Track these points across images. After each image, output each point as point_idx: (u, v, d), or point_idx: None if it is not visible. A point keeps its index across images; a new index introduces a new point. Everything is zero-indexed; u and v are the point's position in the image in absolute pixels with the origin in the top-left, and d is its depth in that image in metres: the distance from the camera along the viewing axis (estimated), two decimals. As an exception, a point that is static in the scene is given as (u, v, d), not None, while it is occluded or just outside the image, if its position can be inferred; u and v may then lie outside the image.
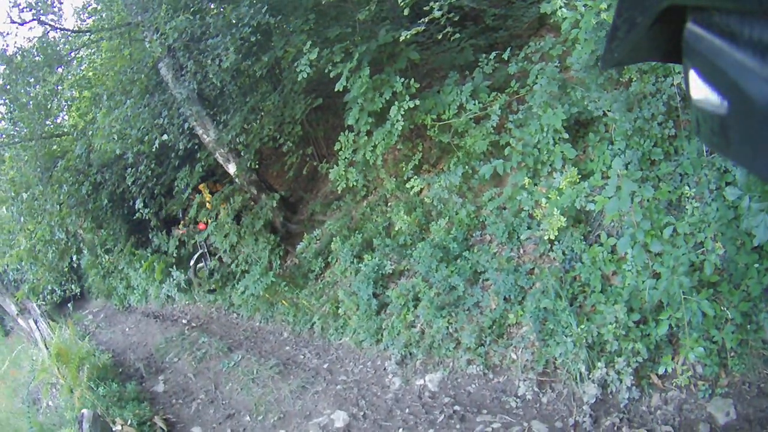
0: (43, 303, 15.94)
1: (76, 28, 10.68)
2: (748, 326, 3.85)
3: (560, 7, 4.57)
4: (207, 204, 8.31)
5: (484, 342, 4.97)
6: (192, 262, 8.84)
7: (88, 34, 10.19)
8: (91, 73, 11.53)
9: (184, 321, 9.48)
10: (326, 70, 5.76)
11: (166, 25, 7.04)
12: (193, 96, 7.47)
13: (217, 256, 7.97)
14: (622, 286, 4.34)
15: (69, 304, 15.78)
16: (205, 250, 8.70)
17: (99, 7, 10.46)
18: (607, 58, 0.68)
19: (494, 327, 4.98)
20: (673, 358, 4.12)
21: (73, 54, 10.62)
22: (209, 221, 8.04)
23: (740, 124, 0.48)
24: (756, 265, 3.76)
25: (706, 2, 0.51)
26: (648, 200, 4.24)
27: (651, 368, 4.14)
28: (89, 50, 11.52)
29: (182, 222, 9.11)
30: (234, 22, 6.53)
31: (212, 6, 7.83)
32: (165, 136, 7.47)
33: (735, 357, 3.91)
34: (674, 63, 0.65)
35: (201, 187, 8.57)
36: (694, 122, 0.58)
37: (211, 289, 8.76)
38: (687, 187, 4.17)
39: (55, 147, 12.23)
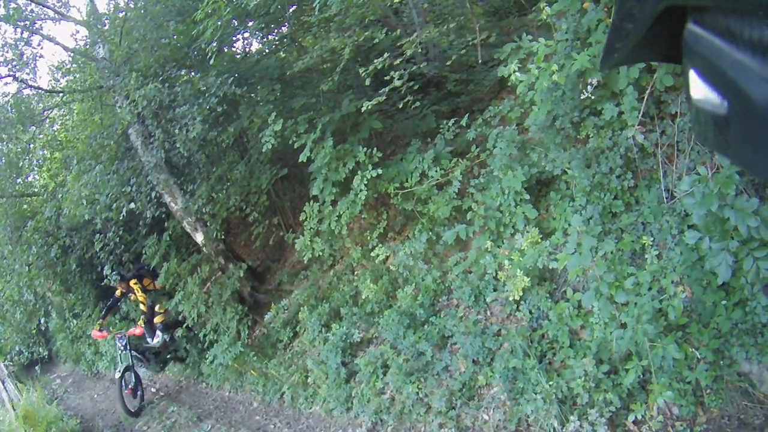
0: (10, 363, 15.34)
1: (50, 88, 10.80)
2: (721, 362, 3.90)
3: (514, 72, 4.71)
4: (141, 305, 8.19)
5: (455, 405, 4.94)
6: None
7: (61, 94, 10.28)
8: (62, 135, 11.58)
9: (153, 390, 9.17)
10: (291, 141, 5.87)
11: (136, 93, 7.16)
12: (161, 164, 7.52)
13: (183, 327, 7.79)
14: (590, 340, 4.39)
15: (36, 367, 15.26)
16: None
17: (73, 68, 10.61)
18: (607, 59, 0.68)
19: (464, 390, 4.97)
20: (647, 404, 4.14)
21: (46, 113, 10.69)
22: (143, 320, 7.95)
23: (740, 124, 0.48)
24: (723, 302, 3.83)
25: (706, 2, 0.51)
26: (612, 252, 4.34)
27: (625, 416, 4.13)
28: (62, 111, 11.62)
29: (99, 323, 8.79)
30: (202, 91, 6.67)
31: (182, 73, 8.02)
32: (132, 204, 7.45)
33: (711, 393, 3.93)
34: (674, 63, 0.64)
35: (132, 283, 8.33)
36: (693, 123, 0.58)
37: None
38: (649, 236, 4.27)
39: (25, 207, 12.12)
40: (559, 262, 4.44)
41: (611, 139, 4.49)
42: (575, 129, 4.70)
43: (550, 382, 4.35)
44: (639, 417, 4.06)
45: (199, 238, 7.71)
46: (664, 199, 4.26)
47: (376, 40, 5.94)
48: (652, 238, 4.22)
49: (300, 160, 5.72)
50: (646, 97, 4.20)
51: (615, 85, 4.23)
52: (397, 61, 5.58)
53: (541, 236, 4.78)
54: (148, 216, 7.51)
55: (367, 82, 5.55)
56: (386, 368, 5.47)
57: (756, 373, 3.97)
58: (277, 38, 7.73)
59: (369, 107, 5.50)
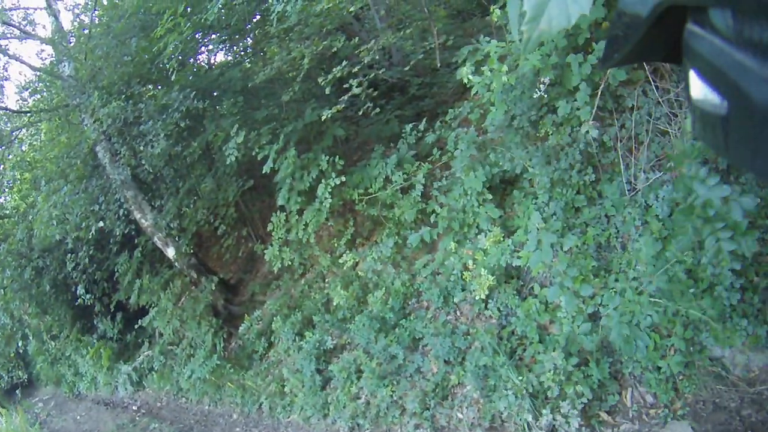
0: (-9, 389, 15.09)
1: (18, 108, 10.67)
2: (692, 349, 3.96)
3: (469, 74, 4.69)
4: None
5: (429, 405, 4.99)
6: None
7: (29, 114, 10.17)
8: (31, 156, 11.43)
9: (134, 408, 9.09)
10: (255, 152, 5.89)
11: (101, 111, 7.13)
12: (128, 180, 7.48)
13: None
14: (558, 334, 4.46)
15: (17, 391, 15.03)
16: None
17: (39, 87, 10.50)
18: (607, 60, 0.68)
19: (437, 390, 5.02)
20: (620, 393, 4.21)
21: (14, 134, 10.56)
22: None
23: (740, 124, 0.47)
24: (691, 290, 3.88)
25: (706, 2, 0.51)
26: (576, 246, 4.43)
27: (599, 406, 4.20)
28: (30, 131, 11.49)
29: None
30: (165, 106, 6.66)
31: (147, 89, 7.99)
32: (102, 222, 7.40)
33: (684, 380, 3.98)
34: (674, 63, 0.63)
35: None
36: (693, 123, 0.58)
37: None
38: (613, 228, 4.35)
39: (-3, 229, 11.95)
40: (522, 260, 4.52)
41: (570, 136, 4.55)
42: (534, 127, 4.76)
43: (521, 378, 4.43)
44: (612, 407, 4.16)
45: (170, 253, 7.68)
46: (626, 192, 4.34)
47: (335, 49, 5.98)
48: (615, 231, 4.30)
49: (263, 172, 5.73)
50: (600, 92, 4.27)
51: (569, 82, 4.28)
52: (357, 68, 5.63)
53: (504, 235, 4.86)
54: (117, 233, 7.46)
55: (328, 90, 5.58)
56: (360, 373, 5.51)
57: (728, 357, 4.05)
58: (241, 50, 7.73)
59: (329, 116, 5.55)
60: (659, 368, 4.00)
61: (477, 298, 4.87)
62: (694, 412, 3.98)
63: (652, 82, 4.22)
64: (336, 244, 6.11)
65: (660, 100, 4.21)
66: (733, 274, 3.73)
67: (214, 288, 7.26)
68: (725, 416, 3.89)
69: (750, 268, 3.88)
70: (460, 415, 4.89)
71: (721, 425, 3.86)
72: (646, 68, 4.21)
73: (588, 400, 4.16)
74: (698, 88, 0.54)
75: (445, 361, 5.06)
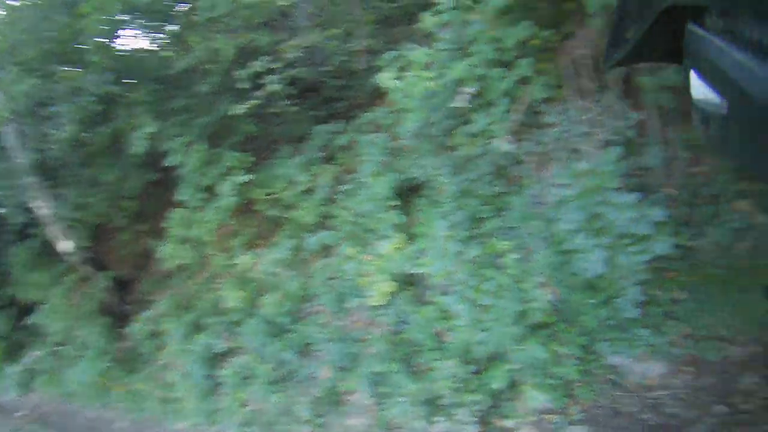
0: None
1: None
2: (589, 357, 4.01)
3: (391, 79, 4.67)
4: None
5: (322, 412, 4.89)
6: None
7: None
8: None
9: (19, 414, 8.29)
10: (162, 144, 5.63)
11: (15, 87, 6.67)
12: (33, 165, 6.97)
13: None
14: (455, 342, 4.41)
15: None
16: None
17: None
18: (608, 60, 0.70)
19: (330, 396, 4.91)
20: (517, 400, 4.20)
21: None
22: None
23: (740, 124, 0.47)
24: (590, 301, 3.95)
25: (706, 2, 0.50)
26: (478, 256, 4.40)
27: (496, 413, 4.18)
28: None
29: None
30: (80, 88, 6.31)
31: (63, 69, 7.55)
32: (2, 210, 6.85)
33: (581, 386, 4.02)
34: (674, 63, 0.64)
35: None
36: (693, 122, 0.58)
37: None
38: (513, 240, 4.35)
39: None
40: (423, 267, 4.52)
41: (482, 147, 4.57)
42: (447, 137, 4.76)
43: (415, 385, 4.37)
44: (510, 413, 4.15)
45: (65, 245, 7.15)
46: (533, 205, 4.40)
47: (258, 44, 5.87)
48: (514, 243, 4.31)
49: (168, 164, 5.48)
50: (521, 108, 4.35)
51: (489, 95, 4.32)
52: (277, 65, 5.53)
53: (406, 241, 4.79)
54: (14, 222, 6.90)
55: (246, 85, 5.45)
56: (251, 378, 5.28)
57: (626, 365, 4.10)
58: (166, 36, 7.48)
59: (243, 111, 5.41)
60: (557, 377, 4.02)
61: (373, 304, 4.77)
62: (592, 418, 4.02)
63: (574, 101, 4.32)
64: (234, 244, 5.87)
65: (580, 119, 4.30)
66: (636, 286, 3.84)
67: (107, 285, 6.80)
68: (625, 421, 3.94)
69: (654, 281, 4.00)
70: (353, 422, 4.82)
71: (622, 429, 3.91)
72: (570, 87, 4.31)
73: (486, 407, 4.16)
74: (698, 88, 0.54)
75: (338, 367, 4.94)
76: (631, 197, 3.53)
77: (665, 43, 0.60)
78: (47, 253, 7.52)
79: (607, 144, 4.11)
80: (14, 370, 7.92)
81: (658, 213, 3.49)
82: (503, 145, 4.31)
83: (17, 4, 7.90)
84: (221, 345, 5.58)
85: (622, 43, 0.65)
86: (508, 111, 4.25)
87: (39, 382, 7.74)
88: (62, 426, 7.20)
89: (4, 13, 8.06)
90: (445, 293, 4.64)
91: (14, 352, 8.19)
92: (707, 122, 0.54)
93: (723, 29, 0.48)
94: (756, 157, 0.46)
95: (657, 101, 3.92)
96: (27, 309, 7.66)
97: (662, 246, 3.60)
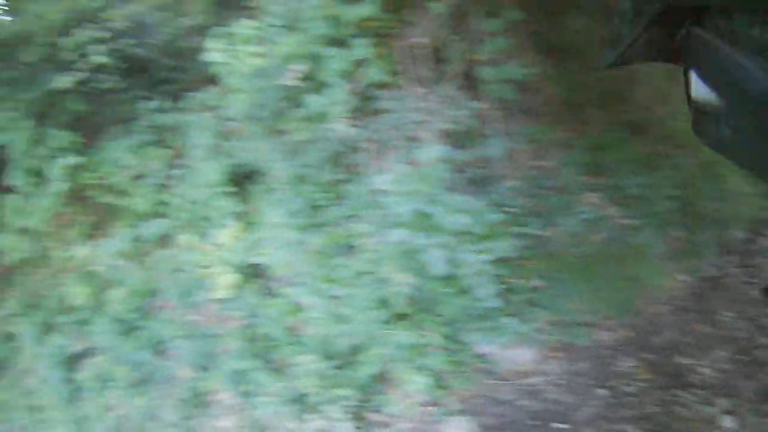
0: None
1: None
2: (456, 346, 3.98)
3: (216, 55, 4.42)
4: None
5: (188, 415, 4.64)
6: None
7: None
8: None
9: None
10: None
11: None
12: None
13: None
14: (312, 335, 4.29)
15: None
16: None
17: None
18: (607, 59, 0.72)
19: (194, 397, 4.65)
20: (388, 393, 4.14)
21: None
22: None
23: (738, 123, 0.49)
24: (445, 290, 3.86)
25: (705, 2, 0.52)
26: (322, 245, 4.21)
27: (369, 407, 4.12)
28: None
29: None
30: None
31: None
32: None
33: (454, 376, 3.99)
34: (674, 63, 0.65)
35: None
36: (692, 120, 0.61)
37: None
38: (360, 228, 4.19)
39: None
40: (264, 257, 4.35)
41: (317, 132, 4.37)
42: (279, 120, 4.50)
43: (279, 383, 4.22)
44: (383, 407, 4.10)
45: None
46: (372, 193, 4.26)
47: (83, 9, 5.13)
48: (363, 229, 4.16)
49: (-1, 143, 4.86)
50: (355, 91, 4.17)
51: (322, 75, 4.12)
52: (105, 35, 5.09)
53: (245, 230, 4.52)
54: None
55: (73, 57, 4.99)
56: (110, 381, 4.93)
57: (496, 353, 4.09)
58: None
59: (66, 85, 4.90)
60: (426, 367, 3.93)
61: (219, 296, 4.48)
62: (473, 407, 3.98)
63: (409, 88, 4.20)
64: (72, 235, 5.31)
65: (417, 106, 4.21)
66: (491, 277, 3.75)
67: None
68: (504, 408, 3.93)
69: (511, 273, 3.95)
70: (222, 424, 4.58)
71: (503, 417, 3.88)
72: (405, 74, 4.22)
73: (356, 402, 4.05)
74: (698, 88, 0.56)
75: (198, 366, 4.61)
76: (462, 198, 3.50)
77: (664, 43, 0.62)
78: None
79: (445, 134, 4.04)
80: None
81: (493, 216, 3.46)
82: (339, 128, 4.14)
83: None
84: (75, 346, 5.19)
85: (620, 42, 0.65)
86: (343, 94, 4.07)
87: None
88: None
89: None
90: (291, 284, 4.41)
91: None
92: (707, 122, 0.55)
93: (723, 29, 0.48)
94: (756, 156, 0.47)
95: (499, 93, 3.90)
96: None
97: (502, 246, 3.57)
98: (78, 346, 5.19)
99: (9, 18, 6.45)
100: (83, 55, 5.10)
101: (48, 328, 5.34)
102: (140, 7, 5.29)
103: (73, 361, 5.21)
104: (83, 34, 4.91)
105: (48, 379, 5.18)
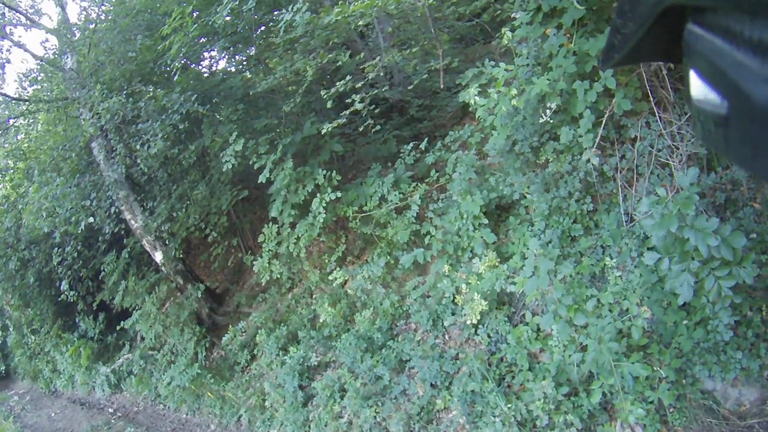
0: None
1: (17, 96, 10.56)
2: (684, 381, 3.93)
3: (474, 96, 4.65)
4: None
5: (413, 429, 4.92)
6: None
7: (27, 103, 10.08)
8: (26, 145, 11.33)
9: (110, 410, 8.91)
10: (251, 162, 5.82)
11: (100, 105, 7.06)
12: (122, 179, 7.40)
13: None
14: (549, 362, 4.39)
15: (-7, 382, 14.75)
16: None
17: (40, 77, 10.42)
18: (607, 59, 0.67)
19: (422, 413, 4.95)
20: (610, 424, 4.14)
21: (11, 122, 10.43)
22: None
23: (740, 124, 0.47)
24: (684, 322, 3.86)
25: (706, 2, 0.50)
26: (571, 275, 4.36)
27: None
28: (27, 120, 11.38)
29: None
30: (165, 107, 6.60)
31: (147, 89, 7.93)
32: (92, 219, 7.28)
33: (675, 412, 3.95)
34: (674, 63, 0.64)
35: None
36: (693, 122, 0.58)
37: None
38: (609, 258, 4.26)
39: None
40: (516, 286, 4.44)
41: (570, 164, 4.49)
42: (535, 154, 4.70)
43: (509, 405, 4.37)
44: None
45: (158, 257, 7.57)
46: (624, 222, 4.30)
47: (339, 63, 5.96)
48: (612, 261, 4.21)
49: (260, 181, 5.67)
50: (604, 121, 4.25)
51: (574, 109, 4.24)
52: (359, 85, 5.60)
53: (499, 260, 4.79)
54: (107, 232, 7.35)
55: (329, 104, 5.54)
56: (344, 392, 5.43)
57: (720, 391, 4.02)
58: (244, 58, 7.70)
59: (329, 129, 5.49)
60: (650, 401, 3.93)
61: (468, 322, 4.78)
62: None
63: (656, 114, 4.19)
64: (326, 261, 6.04)
65: (663, 131, 4.18)
66: (727, 309, 3.64)
67: (200, 296, 7.15)
68: None
69: (744, 303, 3.86)
70: None
71: None
72: (651, 100, 4.19)
73: (577, 430, 4.11)
74: (698, 88, 0.53)
75: (431, 384, 5.00)
76: (713, 222, 3.33)
77: (665, 43, 0.59)
78: (141, 262, 7.97)
79: (689, 158, 3.99)
80: (107, 370, 8.46)
81: (740, 240, 3.26)
82: (592, 158, 4.16)
83: (92, 26, 8.33)
84: (314, 358, 5.75)
85: (622, 43, 0.64)
86: (593, 125, 4.12)
87: (130, 383, 8.27)
88: (151, 425, 7.67)
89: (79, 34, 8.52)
90: (539, 313, 4.64)
91: (107, 353, 8.76)
92: (707, 122, 0.52)
93: (723, 29, 0.47)
94: (756, 157, 0.45)
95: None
96: (120, 315, 8.15)
97: (747, 274, 3.40)
98: (318, 359, 5.76)
99: (250, 74, 7.57)
100: (341, 104, 5.76)
101: (290, 341, 5.99)
102: (390, 56, 5.71)
103: (311, 371, 5.81)
104: (341, 84, 5.47)
105: (283, 385, 5.78)
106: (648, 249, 3.97)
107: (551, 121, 4.34)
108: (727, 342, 3.79)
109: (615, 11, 0.63)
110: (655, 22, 0.56)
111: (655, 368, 3.96)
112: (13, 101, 9.92)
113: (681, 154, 4.09)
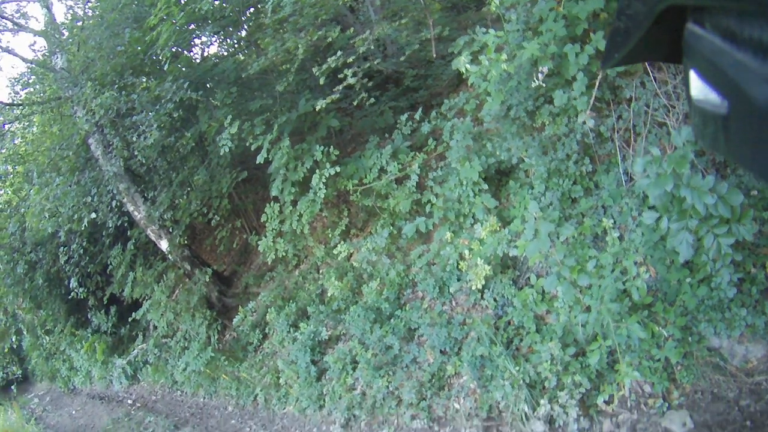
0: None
1: (10, 101, 10.55)
2: (690, 338, 3.96)
3: (466, 63, 4.55)
4: None
5: (426, 396, 4.98)
6: None
7: (21, 107, 10.07)
8: (23, 149, 11.36)
9: (129, 401, 9.08)
10: (248, 143, 5.83)
11: (93, 102, 7.07)
12: (121, 172, 7.43)
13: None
14: (555, 324, 4.42)
15: (12, 387, 15.01)
16: None
17: (32, 80, 10.40)
18: (608, 59, 0.67)
19: (434, 380, 5.02)
20: (617, 383, 4.17)
21: (6, 127, 10.44)
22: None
23: (740, 124, 0.47)
24: (688, 280, 3.88)
25: (706, 2, 0.51)
26: (574, 237, 4.38)
27: (596, 396, 4.17)
28: (22, 124, 11.39)
29: None
30: (158, 97, 6.60)
31: (140, 80, 7.91)
32: (94, 214, 7.34)
33: (682, 369, 3.99)
34: (674, 63, 0.65)
35: None
36: (693, 122, 0.57)
37: None
38: (610, 219, 4.27)
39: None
40: (518, 249, 4.45)
41: (567, 126, 4.47)
42: (530, 118, 4.70)
43: (518, 368, 4.43)
44: (610, 397, 4.11)
45: (163, 245, 7.63)
46: (623, 182, 4.31)
47: (330, 39, 5.92)
48: (612, 221, 4.22)
49: (258, 162, 5.69)
50: (598, 83, 4.22)
51: (567, 72, 4.22)
52: (352, 59, 5.56)
53: (500, 225, 4.81)
54: (110, 225, 7.42)
55: (322, 81, 5.51)
56: (355, 364, 5.50)
57: (726, 347, 4.03)
58: (235, 41, 7.66)
59: (323, 106, 5.46)
60: (656, 359, 3.97)
61: (473, 288, 4.82)
62: (693, 402, 3.98)
63: (650, 74, 4.18)
64: (330, 235, 6.08)
65: (658, 91, 4.17)
66: (731, 265, 3.66)
67: (208, 280, 7.23)
68: (724, 406, 3.88)
69: (747, 260, 3.88)
70: (457, 406, 4.90)
71: (720, 415, 3.86)
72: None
73: (586, 389, 4.16)
74: (698, 88, 0.54)
75: (441, 351, 5.07)
76: (709, 180, 3.28)
77: (665, 43, 0.59)
78: (147, 252, 8.05)
79: (686, 117, 3.94)
80: (122, 362, 8.60)
81: (738, 197, 3.23)
82: (588, 121, 4.14)
83: (80, 24, 8.30)
84: (325, 333, 5.82)
85: (622, 42, 0.63)
86: (587, 87, 4.09)
87: (146, 373, 8.41)
88: (170, 412, 7.82)
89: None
90: (543, 275, 4.64)
91: (121, 346, 8.90)
92: (707, 121, 0.52)
93: (723, 29, 0.47)
94: (756, 157, 0.45)
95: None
96: (131, 306, 8.25)
97: (747, 231, 3.39)
98: (328, 333, 5.83)
99: (242, 56, 7.54)
100: (335, 80, 5.67)
101: (300, 317, 6.07)
102: (382, 28, 5.67)
103: (322, 345, 5.88)
104: (332, 60, 5.43)
105: (295, 361, 5.85)
106: (648, 208, 3.92)
107: (544, 85, 4.31)
108: (732, 299, 3.81)
109: (615, 12, 0.63)
110: (655, 21, 0.56)
111: (658, 327, 3.98)
112: (7, 107, 9.91)
113: (677, 113, 4.08)
